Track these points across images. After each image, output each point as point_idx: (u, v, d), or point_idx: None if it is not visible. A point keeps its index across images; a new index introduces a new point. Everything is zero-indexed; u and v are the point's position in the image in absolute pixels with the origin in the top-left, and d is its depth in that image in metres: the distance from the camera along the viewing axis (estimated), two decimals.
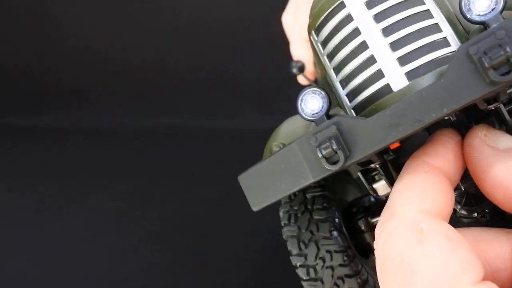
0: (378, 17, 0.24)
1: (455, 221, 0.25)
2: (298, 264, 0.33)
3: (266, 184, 0.25)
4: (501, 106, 0.24)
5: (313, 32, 0.27)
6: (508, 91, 0.23)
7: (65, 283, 0.65)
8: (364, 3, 0.24)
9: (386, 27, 0.24)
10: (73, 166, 1.02)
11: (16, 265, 0.70)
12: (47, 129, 1.25)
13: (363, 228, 0.36)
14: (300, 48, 0.42)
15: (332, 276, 0.33)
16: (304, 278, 0.33)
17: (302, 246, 0.33)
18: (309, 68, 0.44)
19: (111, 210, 0.82)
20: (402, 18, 0.23)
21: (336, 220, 0.34)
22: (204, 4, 1.19)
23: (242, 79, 1.17)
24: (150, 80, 1.25)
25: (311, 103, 0.25)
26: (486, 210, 0.29)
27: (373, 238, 0.36)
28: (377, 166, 0.27)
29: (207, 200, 0.80)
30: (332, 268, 0.32)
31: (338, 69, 0.26)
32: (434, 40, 0.23)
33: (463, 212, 0.30)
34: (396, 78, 0.23)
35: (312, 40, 0.28)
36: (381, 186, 0.30)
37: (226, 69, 1.18)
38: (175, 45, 1.23)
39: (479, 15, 0.21)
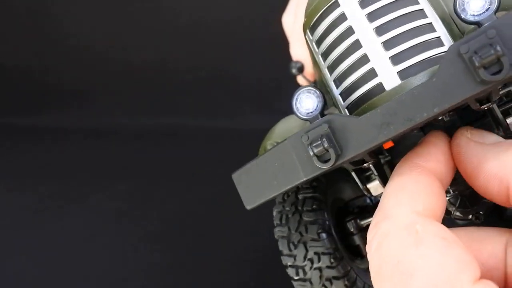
0: (372, 16, 0.24)
1: (450, 222, 0.25)
2: (288, 264, 0.34)
3: (259, 182, 0.25)
4: (495, 106, 0.24)
5: (308, 31, 0.27)
6: (501, 92, 0.23)
7: (65, 283, 0.65)
8: (357, 2, 0.24)
9: (379, 26, 0.24)
10: (73, 166, 1.02)
11: (16, 265, 0.70)
12: (47, 129, 1.25)
13: (352, 230, 0.36)
14: (300, 49, 0.42)
15: (321, 277, 0.33)
16: (294, 278, 0.34)
17: (292, 247, 0.34)
18: (309, 69, 0.44)
19: (111, 210, 0.82)
20: (396, 18, 0.23)
21: (326, 222, 0.34)
22: (204, 4, 1.19)
23: (242, 79, 1.17)
24: (150, 80, 1.25)
25: (306, 102, 0.26)
26: (481, 212, 0.29)
27: (362, 240, 0.36)
28: (370, 166, 0.27)
29: (207, 200, 0.80)
30: (320, 269, 0.33)
31: (332, 68, 0.26)
32: (428, 40, 0.23)
33: (458, 214, 0.30)
34: (388, 77, 0.23)
35: (307, 39, 0.28)
36: (374, 186, 0.30)
37: (226, 69, 1.18)
38: (175, 45, 1.23)
39: (473, 15, 0.21)
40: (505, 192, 0.21)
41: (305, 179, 0.23)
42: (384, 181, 0.28)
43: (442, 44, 0.23)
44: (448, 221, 0.24)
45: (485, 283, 0.18)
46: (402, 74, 0.23)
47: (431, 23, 0.23)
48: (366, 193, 0.31)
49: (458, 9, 0.22)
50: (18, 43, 1.36)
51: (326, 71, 0.26)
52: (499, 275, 0.21)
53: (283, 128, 0.34)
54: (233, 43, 1.17)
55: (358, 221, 0.36)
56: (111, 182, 0.91)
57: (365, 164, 0.27)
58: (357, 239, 0.36)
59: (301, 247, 0.33)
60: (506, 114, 0.26)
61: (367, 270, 0.38)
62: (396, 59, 0.23)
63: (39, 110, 1.30)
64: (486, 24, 0.20)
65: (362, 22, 0.24)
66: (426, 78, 0.22)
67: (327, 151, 0.22)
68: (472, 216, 0.30)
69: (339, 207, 0.38)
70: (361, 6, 0.24)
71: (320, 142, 0.22)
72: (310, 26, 0.27)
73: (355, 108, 0.25)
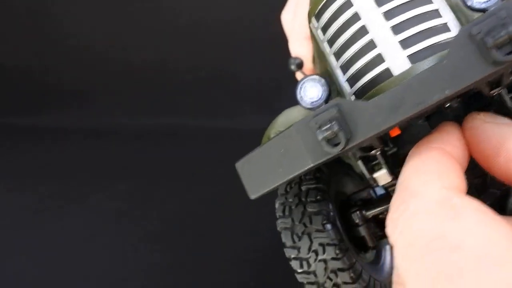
0: (379, 1, 0.24)
1: None
2: (291, 257, 0.33)
3: (264, 170, 0.25)
4: (504, 91, 0.24)
5: (313, 18, 0.27)
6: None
7: (65, 283, 0.65)
8: None
9: (387, 11, 0.24)
10: (73, 166, 1.02)
11: (16, 265, 0.70)
12: (47, 129, 1.25)
13: (357, 221, 0.35)
14: (299, 45, 0.42)
15: (325, 269, 0.32)
16: (298, 270, 0.33)
17: (296, 239, 0.33)
18: (308, 65, 0.44)
19: (111, 210, 0.82)
20: (404, 3, 0.23)
21: (330, 213, 0.34)
22: (204, 4, 1.19)
23: (242, 79, 1.17)
24: (150, 80, 1.25)
25: (310, 91, 0.25)
26: (487, 202, 0.29)
27: (368, 231, 0.35)
28: (377, 154, 0.27)
29: (207, 200, 0.80)
30: (325, 261, 0.32)
31: (338, 54, 0.26)
32: (436, 25, 0.23)
33: None
34: (397, 62, 0.23)
35: (312, 28, 0.28)
36: (381, 176, 0.30)
37: (226, 69, 1.18)
38: (175, 45, 1.23)
39: (479, 2, 0.21)
40: None
41: (312, 165, 0.23)
42: (391, 170, 0.28)
43: (449, 30, 0.23)
44: None
45: None
46: (412, 58, 0.23)
47: (437, 9, 0.23)
48: (372, 183, 0.31)
49: None
50: (18, 43, 1.36)
51: (332, 58, 0.26)
52: None
53: (287, 119, 0.33)
54: (233, 43, 1.17)
55: (363, 212, 0.35)
56: (111, 182, 0.91)
57: (372, 152, 0.26)
58: (362, 231, 0.35)
59: (306, 238, 0.33)
60: None
61: (371, 263, 0.38)
62: (405, 44, 0.23)
63: (39, 110, 1.30)
64: (495, 6, 0.20)
65: (370, 7, 0.24)
66: (434, 63, 0.22)
67: (337, 135, 0.21)
68: None
69: (342, 200, 0.37)
70: None
71: (329, 125, 0.21)
72: (315, 13, 0.27)
73: (362, 94, 0.25)
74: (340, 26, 0.25)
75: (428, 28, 0.23)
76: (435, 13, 0.23)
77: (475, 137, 0.22)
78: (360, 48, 0.24)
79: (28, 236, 0.77)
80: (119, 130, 1.19)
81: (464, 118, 0.24)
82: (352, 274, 0.32)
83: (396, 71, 0.23)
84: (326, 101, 0.25)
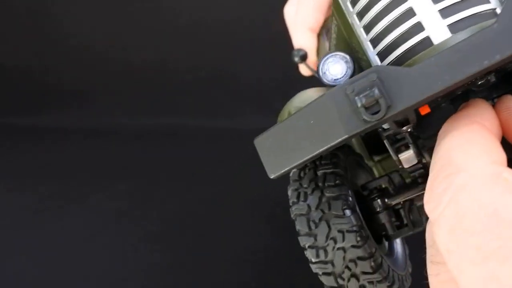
0: None
1: None
2: (307, 245, 0.31)
3: (288, 146, 0.22)
4: None
5: None
6: None
7: (65, 283, 0.65)
8: None
9: None
10: (73, 166, 1.02)
11: (16, 265, 0.69)
12: (47, 129, 1.25)
13: (378, 209, 0.34)
14: (304, 37, 0.42)
15: (344, 258, 0.30)
16: (313, 260, 0.31)
17: (312, 226, 0.31)
18: (312, 57, 0.43)
19: (111, 210, 0.82)
20: None
21: (349, 198, 0.32)
22: (204, 4, 1.19)
23: (242, 79, 1.17)
24: (150, 80, 1.25)
25: (334, 68, 0.24)
26: None
27: (388, 218, 0.34)
28: (406, 134, 0.26)
29: (207, 200, 0.80)
30: (344, 249, 0.30)
31: (369, 27, 0.25)
32: None
33: None
34: (437, 31, 0.22)
35: (340, 0, 0.27)
36: (408, 157, 0.29)
37: (226, 69, 1.18)
38: (175, 45, 1.23)
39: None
40: None
41: (346, 136, 0.21)
42: (418, 151, 0.27)
43: (488, 1, 0.23)
44: None
45: None
46: (452, 28, 0.22)
47: None
48: (398, 164, 0.30)
49: None
50: (18, 43, 1.36)
51: (361, 31, 0.25)
52: None
53: (303, 98, 0.32)
54: (233, 43, 1.17)
55: (386, 200, 0.34)
56: (111, 182, 0.91)
57: (404, 128, 0.25)
58: (383, 218, 0.34)
59: (323, 225, 0.31)
60: None
61: (387, 255, 0.37)
62: (445, 13, 0.22)
63: (39, 110, 1.30)
64: None
65: None
66: (474, 32, 0.21)
67: (377, 101, 0.20)
68: None
69: (355, 190, 0.36)
70: None
71: (369, 91, 0.20)
72: None
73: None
74: None
75: None
76: None
77: (511, 117, 0.21)
78: (398, 17, 0.23)
79: (28, 236, 0.77)
80: (119, 130, 1.19)
81: (492, 98, 0.23)
82: (372, 264, 0.31)
83: (436, 40, 0.22)
84: (350, 78, 0.23)
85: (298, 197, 0.32)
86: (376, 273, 0.31)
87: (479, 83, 0.24)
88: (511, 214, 0.16)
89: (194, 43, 1.22)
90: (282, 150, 0.23)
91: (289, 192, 0.33)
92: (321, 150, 0.22)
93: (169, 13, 1.23)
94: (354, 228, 0.31)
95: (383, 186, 0.35)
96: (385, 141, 0.29)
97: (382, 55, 0.25)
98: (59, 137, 1.20)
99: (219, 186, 0.83)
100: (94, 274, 0.66)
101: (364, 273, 0.31)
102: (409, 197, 0.34)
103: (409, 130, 0.26)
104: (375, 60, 0.25)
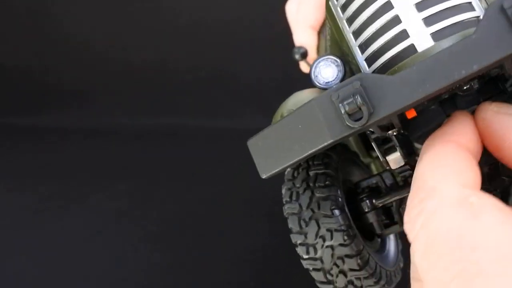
0: None
1: None
2: (298, 242, 0.33)
3: (278, 148, 0.24)
4: None
5: None
6: None
7: (65, 283, 0.65)
8: None
9: None
10: (73, 166, 1.02)
11: (16, 265, 0.70)
12: (47, 129, 1.25)
13: (366, 209, 0.35)
14: (304, 34, 0.42)
15: (332, 255, 0.32)
16: (304, 256, 0.33)
17: (303, 224, 0.33)
18: (312, 55, 0.43)
19: (111, 210, 0.82)
20: None
21: (339, 199, 0.33)
22: (204, 4, 1.19)
23: (242, 79, 1.17)
24: (150, 80, 1.25)
25: (325, 71, 0.25)
26: (498, 190, 0.29)
27: (376, 218, 0.35)
28: (393, 136, 0.27)
29: (207, 200, 0.80)
30: (332, 247, 0.32)
31: (358, 32, 0.25)
32: (459, 4, 0.23)
33: None
34: (421, 39, 0.23)
35: (331, 5, 0.27)
36: (395, 159, 0.30)
37: (226, 69, 1.18)
38: (175, 45, 1.23)
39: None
40: None
41: (331, 141, 0.22)
42: (405, 153, 0.28)
43: (473, 9, 0.23)
44: None
45: None
46: (435, 35, 0.23)
47: None
48: (385, 166, 0.30)
49: None
50: (18, 43, 1.36)
51: (350, 37, 0.26)
52: None
53: (297, 100, 0.33)
54: (233, 43, 1.17)
55: (373, 200, 0.35)
56: (111, 182, 0.91)
57: (389, 132, 0.26)
58: (370, 217, 0.35)
59: (313, 224, 0.32)
60: None
61: (377, 252, 0.38)
62: (429, 21, 0.23)
63: (39, 110, 1.30)
64: None
65: None
66: (457, 40, 0.22)
67: (360, 109, 0.21)
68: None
69: (349, 187, 0.37)
70: None
71: (352, 99, 0.21)
72: None
73: (382, 72, 0.24)
74: (362, 3, 0.25)
75: (452, 6, 0.23)
76: None
77: (487, 128, 0.22)
78: (384, 24, 0.24)
79: (28, 236, 0.77)
80: (119, 130, 1.19)
81: (477, 103, 0.24)
82: (359, 261, 0.32)
83: (420, 47, 0.23)
84: (341, 82, 0.24)
85: (291, 196, 0.34)
86: (363, 270, 0.32)
87: (464, 88, 0.25)
88: (474, 238, 0.17)
89: (194, 43, 1.22)
90: (273, 152, 0.24)
91: (283, 191, 0.35)
92: (309, 152, 0.23)
93: (169, 13, 1.23)
94: (342, 228, 0.32)
95: (375, 184, 0.36)
96: (372, 143, 0.30)
97: (370, 60, 0.25)
98: (59, 137, 1.20)
99: (219, 186, 0.83)
100: (94, 274, 0.66)
101: (352, 270, 0.32)
102: (397, 198, 0.34)
103: (394, 133, 0.27)
104: (364, 65, 0.25)
